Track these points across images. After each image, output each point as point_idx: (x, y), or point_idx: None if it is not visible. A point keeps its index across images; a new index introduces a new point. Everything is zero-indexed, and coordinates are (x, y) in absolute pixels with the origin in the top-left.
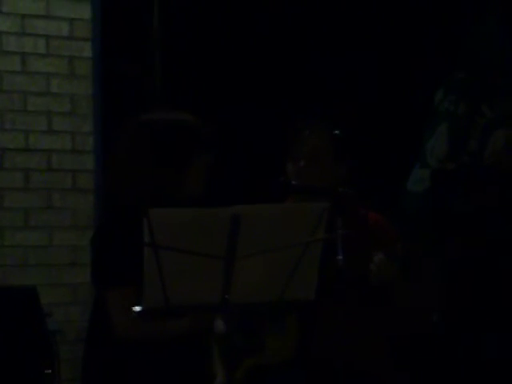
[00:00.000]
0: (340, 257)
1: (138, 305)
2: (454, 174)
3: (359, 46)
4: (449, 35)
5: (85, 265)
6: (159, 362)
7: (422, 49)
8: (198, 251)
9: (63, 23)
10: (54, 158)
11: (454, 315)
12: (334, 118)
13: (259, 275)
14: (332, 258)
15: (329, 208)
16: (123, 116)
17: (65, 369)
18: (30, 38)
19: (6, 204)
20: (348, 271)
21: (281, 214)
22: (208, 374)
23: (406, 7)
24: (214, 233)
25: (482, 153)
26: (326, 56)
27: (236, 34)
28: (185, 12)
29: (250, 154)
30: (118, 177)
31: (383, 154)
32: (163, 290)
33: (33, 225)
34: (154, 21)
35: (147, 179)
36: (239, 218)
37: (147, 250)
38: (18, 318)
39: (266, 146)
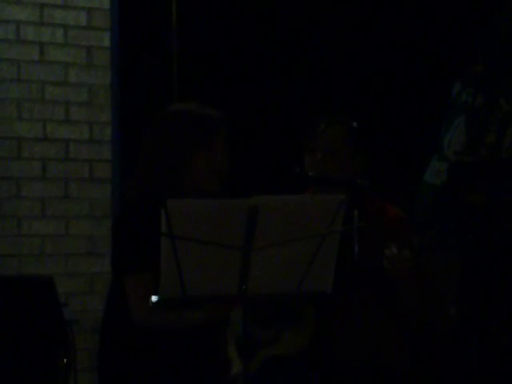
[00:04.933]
0: (356, 249)
1: (155, 293)
2: (472, 166)
3: (377, 37)
4: (466, 27)
5: (101, 254)
6: (175, 351)
7: (441, 40)
8: (215, 242)
9: (81, 13)
10: (72, 147)
11: (470, 308)
12: (352, 111)
13: (276, 266)
14: (348, 250)
15: (346, 200)
16: (141, 106)
17: (81, 358)
18: (48, 27)
19: (23, 193)
20: (364, 264)
21: (298, 205)
22: (223, 364)
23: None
24: (231, 223)
25: (500, 146)
26: (344, 48)
27: (254, 23)
28: (203, 1)
29: (268, 145)
30: (139, 167)
31: (401, 146)
32: (180, 280)
33: (50, 214)
34: (172, 10)
35: (162, 168)
36: (257, 209)
37: (164, 240)
38: (35, 307)
39: (284, 137)
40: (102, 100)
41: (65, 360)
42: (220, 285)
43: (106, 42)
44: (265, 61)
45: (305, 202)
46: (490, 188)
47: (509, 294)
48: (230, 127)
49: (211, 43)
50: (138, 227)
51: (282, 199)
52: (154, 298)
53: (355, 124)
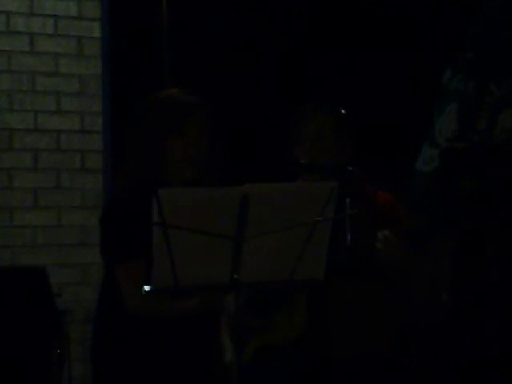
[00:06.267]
0: (348, 236)
1: (147, 280)
2: (464, 153)
3: (369, 26)
4: (457, 14)
5: (94, 245)
6: (168, 340)
7: (432, 27)
8: (207, 231)
9: (71, 3)
10: (63, 138)
11: (463, 295)
12: (341, 98)
13: (268, 255)
14: (341, 237)
15: (337, 188)
16: (132, 96)
17: (74, 348)
18: (38, 18)
19: (15, 184)
20: (356, 251)
21: (290, 193)
22: (216, 352)
23: None
24: (223, 212)
25: (491, 132)
26: (334, 36)
27: (244, 15)
28: None
29: (259, 133)
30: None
31: (392, 133)
32: (172, 269)
33: (42, 205)
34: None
35: (141, 155)
36: (248, 198)
37: (156, 230)
38: (28, 298)
39: (276, 125)
40: (92, 90)
41: (58, 350)
42: (212, 274)
43: (97, 32)
44: (257, 49)
45: (296, 189)
46: (482, 174)
47: (502, 280)
48: (214, 114)
49: (203, 32)
50: (127, 215)
51: (273, 187)
52: (146, 288)
53: (344, 111)
